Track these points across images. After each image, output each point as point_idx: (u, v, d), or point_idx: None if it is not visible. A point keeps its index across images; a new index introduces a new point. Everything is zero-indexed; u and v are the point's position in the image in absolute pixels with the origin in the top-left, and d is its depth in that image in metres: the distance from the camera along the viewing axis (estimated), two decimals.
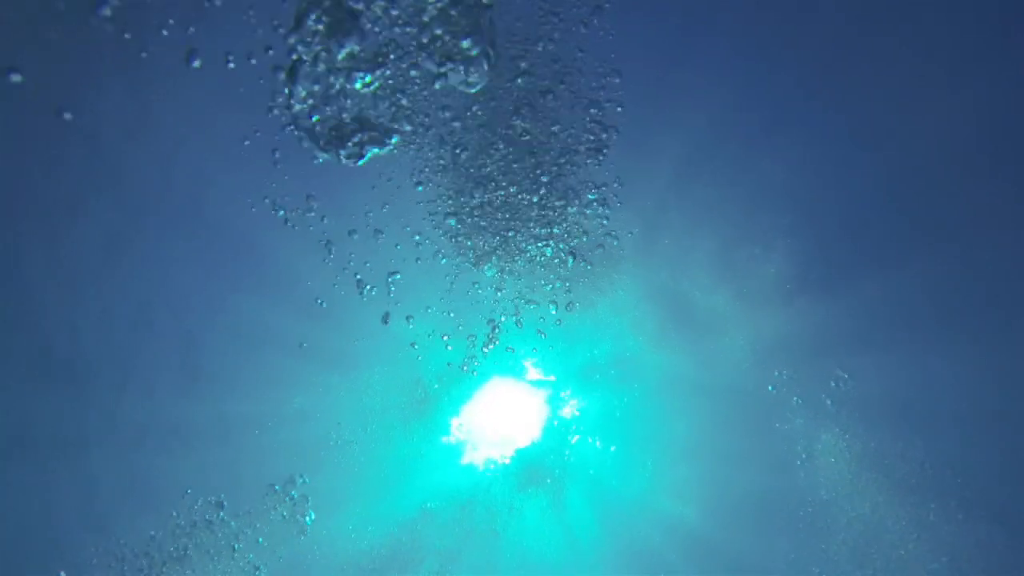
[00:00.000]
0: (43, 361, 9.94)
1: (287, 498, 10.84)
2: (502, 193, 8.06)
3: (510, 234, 8.66)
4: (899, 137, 8.15)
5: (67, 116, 7.28)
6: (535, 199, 8.21)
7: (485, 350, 10.19)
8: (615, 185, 8.48)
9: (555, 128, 7.47)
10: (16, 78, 6.22)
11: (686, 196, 9.25)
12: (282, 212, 8.08)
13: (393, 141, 6.54)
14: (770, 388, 10.53)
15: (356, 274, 8.73)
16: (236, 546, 10.69)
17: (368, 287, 8.99)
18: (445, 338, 9.92)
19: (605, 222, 8.70)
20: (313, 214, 8.07)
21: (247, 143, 7.03)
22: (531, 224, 8.59)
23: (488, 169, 7.75)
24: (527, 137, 7.34)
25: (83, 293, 9.48)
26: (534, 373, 11.97)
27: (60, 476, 10.81)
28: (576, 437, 12.54)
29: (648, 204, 9.23)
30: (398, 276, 8.84)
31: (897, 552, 10.65)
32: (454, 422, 12.07)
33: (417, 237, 8.51)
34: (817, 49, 7.73)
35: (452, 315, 9.74)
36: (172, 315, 10.08)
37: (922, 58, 7.61)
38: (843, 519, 10.86)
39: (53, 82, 7.29)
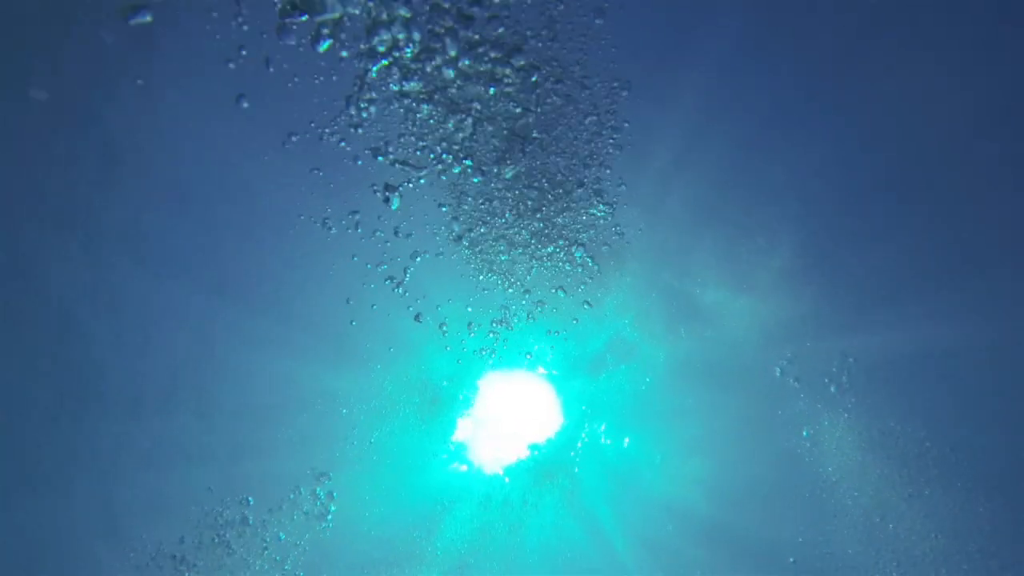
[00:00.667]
0: (59, 376, 10.20)
1: (310, 496, 11.15)
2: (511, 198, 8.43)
3: (521, 232, 8.99)
4: (894, 115, 8.45)
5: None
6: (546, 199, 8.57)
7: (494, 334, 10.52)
8: (621, 187, 8.84)
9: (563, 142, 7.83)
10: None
11: (688, 191, 9.50)
12: (328, 223, 8.35)
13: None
14: (777, 371, 10.77)
15: (384, 265, 8.98)
16: (268, 540, 11.01)
17: (402, 291, 9.32)
18: (470, 325, 10.20)
19: (611, 215, 9.04)
20: (360, 226, 8.35)
21: (286, 144, 7.33)
22: (541, 223, 8.94)
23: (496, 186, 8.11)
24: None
25: (97, 306, 9.75)
26: (543, 369, 12.23)
27: (79, 491, 11.07)
28: (585, 436, 12.80)
29: (651, 202, 9.47)
30: (419, 261, 9.13)
31: (901, 527, 10.96)
32: (465, 420, 12.31)
33: (428, 228, 8.81)
34: (813, 39, 8.01)
35: (469, 309, 10.05)
36: (185, 328, 10.40)
37: (918, 46, 7.90)
38: (848, 499, 11.16)
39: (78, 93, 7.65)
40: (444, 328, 10.12)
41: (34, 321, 9.74)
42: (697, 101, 8.35)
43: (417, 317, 9.83)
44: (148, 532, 11.12)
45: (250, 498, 10.86)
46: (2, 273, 9.17)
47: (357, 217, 8.26)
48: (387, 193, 7.24)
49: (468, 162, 7.52)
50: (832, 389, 10.66)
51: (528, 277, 9.79)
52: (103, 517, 11.11)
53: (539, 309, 10.24)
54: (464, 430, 12.39)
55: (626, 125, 7.77)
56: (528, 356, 11.05)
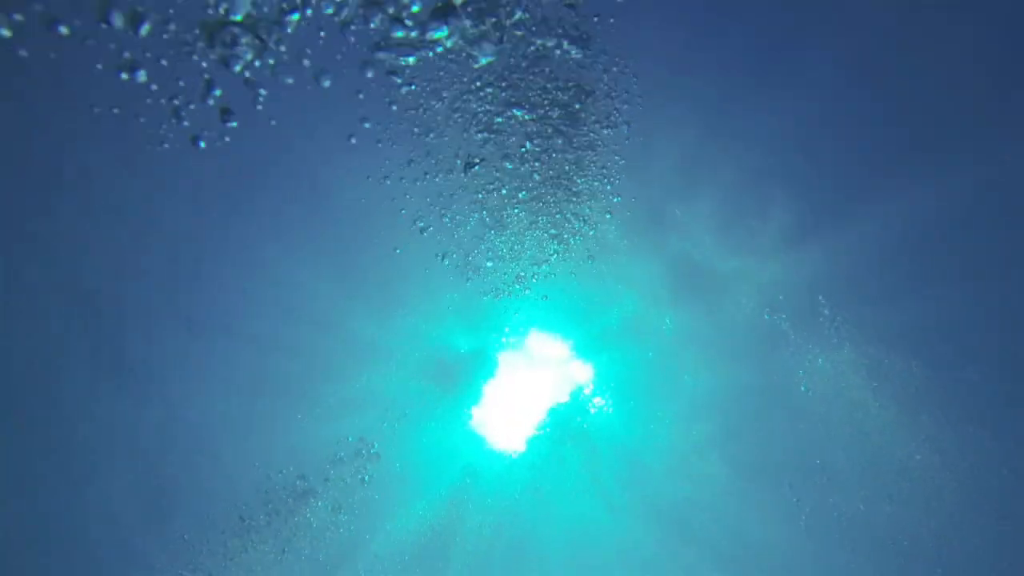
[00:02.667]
0: (113, 363, 10.88)
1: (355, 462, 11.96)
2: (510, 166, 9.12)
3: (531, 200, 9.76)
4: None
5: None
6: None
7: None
8: (618, 159, 9.38)
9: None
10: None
11: (687, 166, 10.12)
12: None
13: None
14: (767, 316, 11.45)
15: (417, 221, 9.70)
16: (341, 514, 11.82)
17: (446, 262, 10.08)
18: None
19: (610, 187, 9.76)
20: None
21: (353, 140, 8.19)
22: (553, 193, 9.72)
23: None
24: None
25: (147, 292, 10.36)
26: (553, 341, 12.93)
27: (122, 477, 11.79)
28: (598, 399, 13.30)
29: (651, 176, 10.10)
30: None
31: (897, 448, 11.72)
32: (487, 391, 13.03)
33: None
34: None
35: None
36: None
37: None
38: (846, 435, 11.88)
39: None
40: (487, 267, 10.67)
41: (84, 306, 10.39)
42: (684, 69, 8.98)
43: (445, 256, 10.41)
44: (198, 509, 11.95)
45: (307, 476, 11.60)
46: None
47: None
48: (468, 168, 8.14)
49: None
50: (833, 340, 11.32)
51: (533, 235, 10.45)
52: (148, 494, 11.83)
53: (546, 269, 10.96)
54: (486, 400, 13.09)
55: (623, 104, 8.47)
56: (544, 297, 11.69)
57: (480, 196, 9.36)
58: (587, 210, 10.11)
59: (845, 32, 8.61)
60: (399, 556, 13.55)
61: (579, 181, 9.60)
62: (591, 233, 10.44)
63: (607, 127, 8.71)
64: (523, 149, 8.70)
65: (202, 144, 7.31)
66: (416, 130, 8.12)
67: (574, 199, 9.89)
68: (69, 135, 8.76)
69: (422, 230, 9.65)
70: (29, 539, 12.11)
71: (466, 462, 13.46)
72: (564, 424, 13.44)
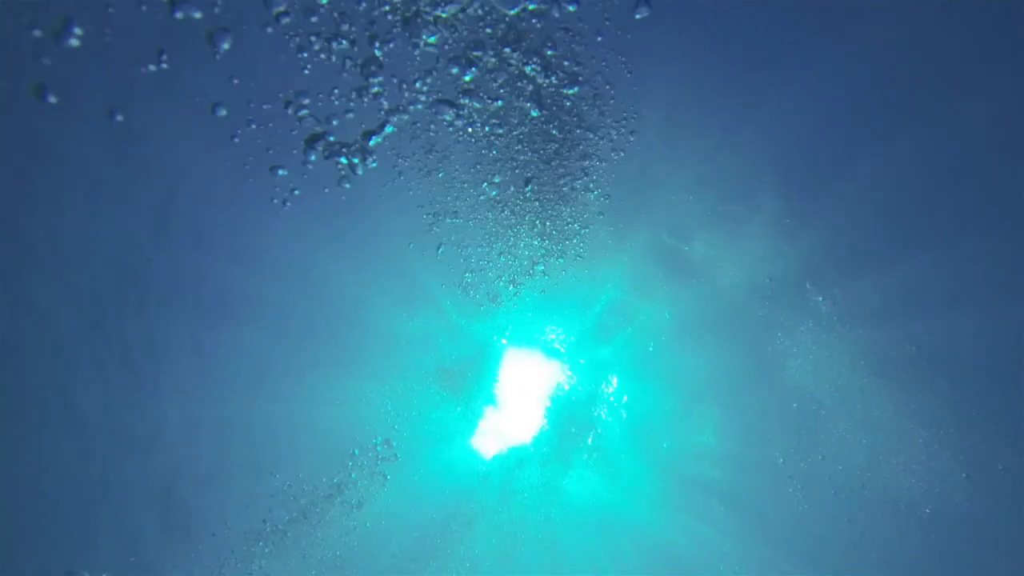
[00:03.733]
0: (123, 369, 10.84)
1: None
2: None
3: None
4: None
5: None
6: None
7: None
8: (613, 156, 9.75)
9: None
10: None
11: (673, 157, 10.34)
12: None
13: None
14: (759, 307, 11.85)
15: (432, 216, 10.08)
16: (359, 514, 12.23)
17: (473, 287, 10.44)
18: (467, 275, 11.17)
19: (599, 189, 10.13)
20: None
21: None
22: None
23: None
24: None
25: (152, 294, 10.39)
26: (554, 336, 13.33)
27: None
28: (602, 389, 13.73)
29: (638, 168, 10.29)
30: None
31: (885, 424, 12.14)
32: (493, 391, 13.45)
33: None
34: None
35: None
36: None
37: None
38: (837, 410, 12.25)
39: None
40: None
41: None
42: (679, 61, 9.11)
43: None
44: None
45: (336, 479, 11.93)
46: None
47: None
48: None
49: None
50: (823, 309, 11.57)
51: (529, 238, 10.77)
52: (166, 505, 11.83)
53: (541, 268, 11.32)
54: (492, 399, 13.52)
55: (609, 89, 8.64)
56: (543, 292, 12.02)
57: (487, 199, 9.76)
58: (580, 211, 10.48)
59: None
60: (414, 553, 13.91)
61: (572, 187, 10.03)
62: (584, 232, 10.82)
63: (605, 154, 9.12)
64: (528, 175, 9.07)
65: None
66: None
67: (567, 202, 10.30)
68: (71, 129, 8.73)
69: (430, 226, 9.94)
70: (42, 550, 12.18)
71: (476, 460, 13.85)
72: (569, 417, 13.84)
